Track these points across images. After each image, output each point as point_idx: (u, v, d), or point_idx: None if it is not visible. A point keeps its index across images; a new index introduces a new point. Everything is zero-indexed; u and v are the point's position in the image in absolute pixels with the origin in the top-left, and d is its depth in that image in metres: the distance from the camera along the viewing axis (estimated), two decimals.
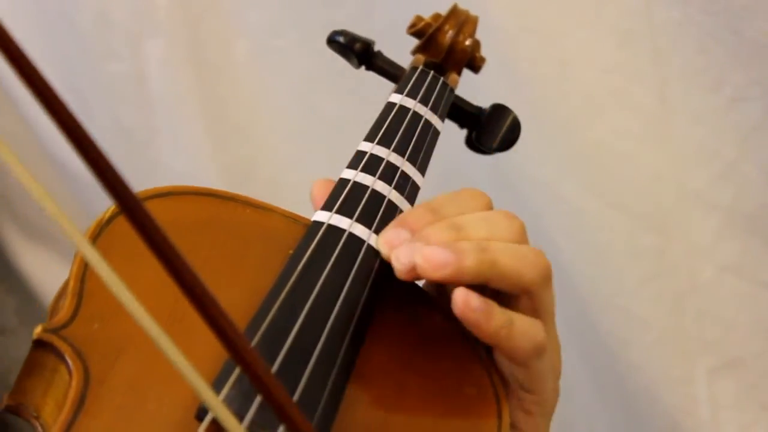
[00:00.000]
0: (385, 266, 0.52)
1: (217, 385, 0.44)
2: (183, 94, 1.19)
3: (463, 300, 0.49)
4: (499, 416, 0.50)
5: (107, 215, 0.51)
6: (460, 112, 0.68)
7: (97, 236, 0.50)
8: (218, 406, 0.36)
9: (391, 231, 0.52)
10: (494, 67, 1.06)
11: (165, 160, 1.20)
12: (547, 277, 0.52)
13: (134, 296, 0.33)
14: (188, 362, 0.34)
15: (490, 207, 0.54)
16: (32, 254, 1.23)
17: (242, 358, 0.35)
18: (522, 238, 0.52)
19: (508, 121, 0.68)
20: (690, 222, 1.04)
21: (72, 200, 1.20)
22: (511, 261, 0.50)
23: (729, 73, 0.99)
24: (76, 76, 1.21)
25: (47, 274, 1.22)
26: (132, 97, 1.19)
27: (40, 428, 0.45)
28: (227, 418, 0.36)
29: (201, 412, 0.43)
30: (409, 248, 0.50)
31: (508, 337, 0.50)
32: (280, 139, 1.21)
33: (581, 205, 1.07)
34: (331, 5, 1.09)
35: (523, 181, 1.10)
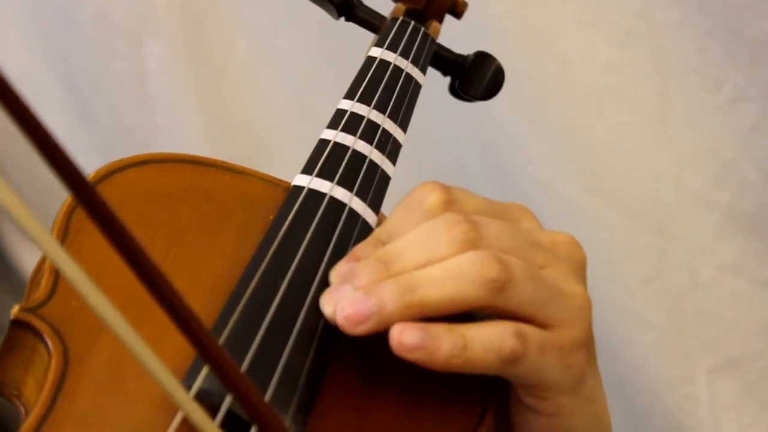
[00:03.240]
0: (367, 233, 0.51)
1: (195, 367, 0.43)
2: (183, 94, 1.19)
3: (397, 340, 0.43)
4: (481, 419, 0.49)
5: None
6: (443, 60, 0.67)
7: (69, 218, 0.49)
8: (188, 404, 0.35)
9: (335, 290, 0.46)
10: None
11: None
12: (499, 288, 0.45)
13: (96, 286, 0.32)
14: (158, 360, 0.33)
15: (469, 244, 0.46)
16: (32, 254, 1.23)
17: (212, 360, 0.34)
18: (466, 246, 0.46)
19: (492, 69, 0.67)
20: (690, 222, 1.04)
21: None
22: (446, 291, 0.44)
23: (728, 73, 0.99)
24: (76, 76, 1.21)
25: None
26: (132, 96, 1.19)
27: (21, 407, 0.45)
28: (199, 417, 0.35)
29: None
30: (331, 296, 0.45)
31: (465, 363, 0.44)
32: (280, 139, 1.21)
33: (581, 205, 1.07)
34: None
35: (523, 181, 1.09)
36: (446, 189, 0.50)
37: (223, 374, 0.34)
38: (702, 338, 1.05)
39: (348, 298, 0.45)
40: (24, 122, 0.27)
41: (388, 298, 0.44)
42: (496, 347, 0.44)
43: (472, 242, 0.46)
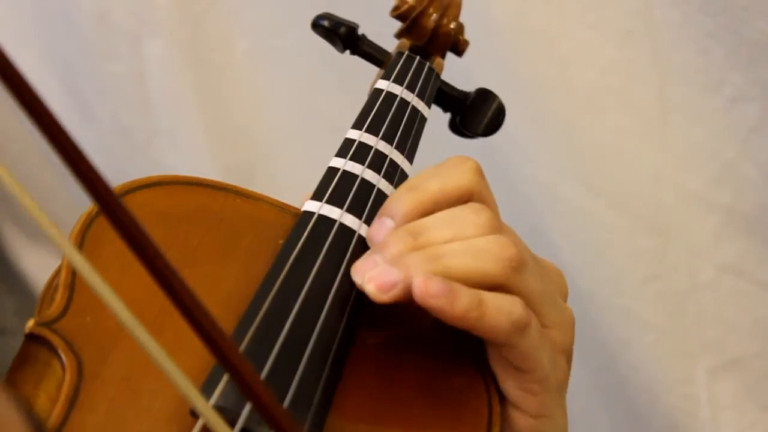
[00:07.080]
0: None
1: (210, 384, 0.44)
2: (183, 94, 1.19)
3: (422, 287, 0.46)
4: (489, 424, 0.50)
5: (95, 209, 0.50)
6: (445, 96, 0.68)
7: (85, 232, 0.49)
8: (207, 411, 0.35)
9: (365, 260, 0.50)
10: (495, 67, 1.07)
11: (165, 161, 1.20)
12: (515, 267, 0.49)
13: (118, 296, 0.33)
14: (177, 367, 0.33)
15: (477, 174, 0.52)
16: (32, 254, 1.23)
17: (231, 366, 0.34)
18: (490, 231, 0.50)
19: (494, 106, 0.67)
20: (690, 222, 1.04)
21: (73, 203, 1.20)
22: (468, 262, 0.48)
23: (729, 73, 0.99)
24: (76, 76, 1.21)
25: (47, 274, 1.21)
26: (132, 97, 1.19)
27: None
28: (217, 424, 0.35)
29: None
30: (361, 266, 0.49)
31: (479, 318, 0.47)
32: (280, 139, 1.21)
33: (581, 205, 1.07)
34: (331, 5, 1.10)
35: (523, 182, 1.10)
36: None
37: (244, 383, 0.34)
38: (702, 339, 1.05)
39: (376, 272, 0.48)
40: (52, 135, 0.28)
41: (413, 266, 0.47)
42: (506, 311, 0.48)
43: (495, 229, 0.50)
